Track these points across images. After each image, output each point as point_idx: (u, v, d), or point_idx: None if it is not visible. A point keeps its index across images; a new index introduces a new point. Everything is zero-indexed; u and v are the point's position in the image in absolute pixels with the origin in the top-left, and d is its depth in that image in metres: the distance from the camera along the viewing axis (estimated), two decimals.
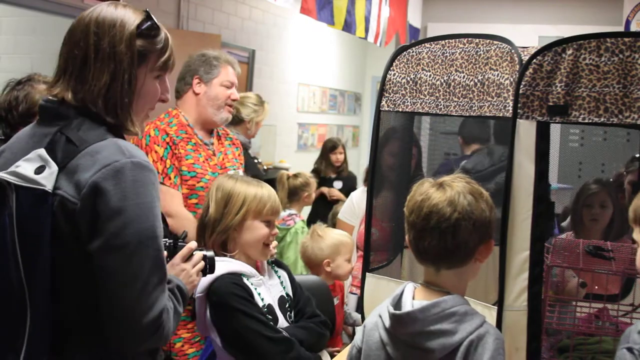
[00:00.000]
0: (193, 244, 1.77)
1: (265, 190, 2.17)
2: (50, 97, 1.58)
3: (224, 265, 2.06)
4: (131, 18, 1.57)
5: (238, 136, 4.25)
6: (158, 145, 2.89)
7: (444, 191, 1.65)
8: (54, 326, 1.48)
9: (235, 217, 2.11)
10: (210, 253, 1.85)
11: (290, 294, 2.20)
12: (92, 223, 1.44)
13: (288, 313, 2.15)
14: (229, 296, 2.00)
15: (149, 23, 1.58)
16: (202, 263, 1.79)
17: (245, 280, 2.06)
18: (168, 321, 1.50)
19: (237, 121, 4.42)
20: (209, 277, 2.02)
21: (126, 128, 1.58)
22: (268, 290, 2.11)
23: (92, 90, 1.52)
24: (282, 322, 2.10)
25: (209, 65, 3.04)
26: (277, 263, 2.26)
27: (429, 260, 1.68)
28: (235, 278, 2.05)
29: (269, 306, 2.08)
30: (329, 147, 6.12)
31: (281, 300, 2.14)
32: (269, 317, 2.05)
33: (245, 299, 2.01)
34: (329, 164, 6.07)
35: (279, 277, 2.20)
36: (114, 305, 1.46)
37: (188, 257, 1.75)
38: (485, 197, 1.68)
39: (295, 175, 4.73)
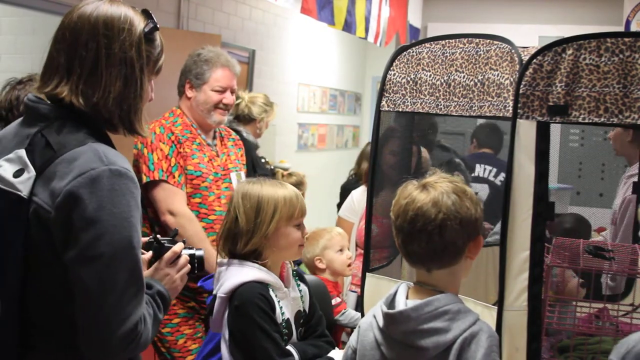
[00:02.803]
0: (178, 247, 1.74)
1: (292, 192, 2.11)
2: (36, 96, 1.54)
3: (253, 272, 2.03)
4: (137, 21, 1.54)
5: (248, 136, 4.26)
6: (163, 143, 2.90)
7: (428, 192, 1.65)
8: (25, 332, 1.47)
9: (269, 227, 2.05)
10: (199, 252, 1.83)
11: (307, 309, 2.19)
12: (67, 233, 1.41)
13: (300, 329, 2.15)
14: (251, 306, 1.97)
15: (152, 25, 1.56)
16: (188, 267, 1.76)
17: (271, 291, 2.04)
18: (145, 331, 1.48)
19: (248, 120, 4.40)
20: (235, 281, 2.01)
21: (139, 133, 1.58)
22: (289, 304, 2.10)
23: (106, 96, 1.49)
24: (293, 337, 2.10)
25: (200, 70, 3.02)
26: (300, 277, 2.24)
27: (419, 263, 1.69)
28: (262, 288, 2.02)
29: (287, 320, 2.07)
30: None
31: (297, 315, 2.13)
32: (286, 331, 2.04)
33: (266, 312, 1.98)
34: None
35: (300, 291, 2.18)
36: (88, 317, 1.43)
37: (173, 261, 1.72)
38: (470, 194, 1.69)
39: (290, 174, 4.76)
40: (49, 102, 1.52)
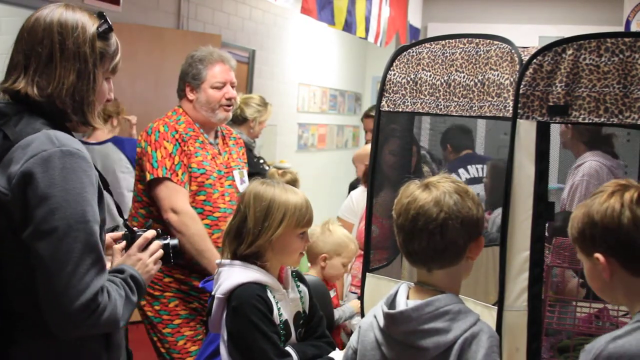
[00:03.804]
0: (150, 234, 1.81)
1: (303, 201, 2.11)
2: None
3: (251, 273, 2.04)
4: (90, 21, 1.65)
5: (241, 135, 4.31)
6: (167, 142, 2.90)
7: (430, 192, 1.66)
8: (3, 316, 1.54)
9: (276, 232, 2.05)
10: (174, 241, 1.88)
11: (307, 310, 2.18)
12: (23, 211, 1.50)
13: (300, 329, 2.14)
14: (249, 307, 1.97)
15: (106, 26, 1.67)
16: (161, 252, 1.82)
17: (269, 292, 2.04)
18: (109, 305, 1.53)
19: (240, 120, 4.51)
20: (232, 282, 2.01)
21: (91, 124, 1.66)
22: (287, 305, 2.10)
23: (60, 88, 1.60)
24: (292, 338, 2.10)
25: (196, 70, 3.02)
26: (300, 277, 2.24)
27: (420, 262, 1.69)
28: (259, 289, 2.01)
29: (285, 322, 2.07)
30: None
31: (296, 316, 2.13)
32: (283, 332, 2.04)
33: (264, 314, 1.98)
34: None
35: (300, 291, 2.18)
36: (47, 290, 1.50)
37: (145, 247, 1.79)
38: (472, 195, 1.69)
39: (284, 173, 4.81)
40: (8, 100, 1.63)
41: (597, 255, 1.48)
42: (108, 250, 1.78)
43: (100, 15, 1.68)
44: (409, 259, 1.72)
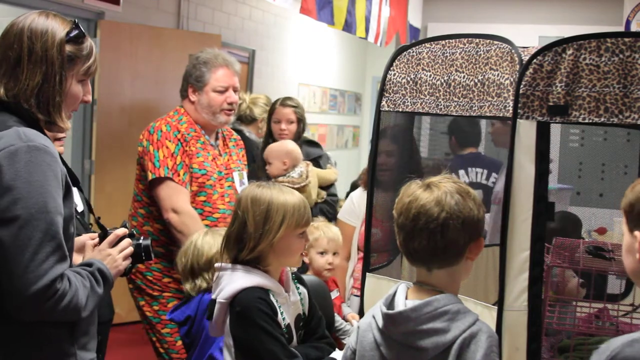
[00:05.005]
0: (120, 231, 1.88)
1: (300, 201, 2.10)
2: None
3: (253, 278, 2.02)
4: (61, 26, 1.74)
5: (250, 135, 4.35)
6: (169, 141, 2.90)
7: (431, 191, 1.66)
8: None
9: (277, 234, 2.03)
10: (146, 242, 1.94)
11: (306, 312, 2.18)
12: None
13: (300, 332, 2.14)
14: (254, 310, 1.96)
15: (76, 32, 1.75)
16: (130, 249, 1.88)
17: (271, 297, 2.03)
18: (69, 293, 1.61)
19: (249, 120, 4.57)
20: (235, 286, 2.00)
21: (57, 124, 1.73)
22: (289, 309, 2.09)
23: (25, 88, 1.69)
24: (293, 342, 2.09)
25: (199, 72, 3.03)
26: (299, 279, 2.23)
27: (419, 261, 1.69)
28: (262, 293, 2.00)
29: (288, 325, 2.06)
30: None
31: (297, 319, 2.12)
32: (286, 336, 2.04)
33: (269, 315, 1.97)
34: None
35: (300, 294, 2.17)
36: (6, 274, 1.58)
37: (115, 243, 1.86)
38: (473, 195, 1.69)
39: None
40: None
41: (637, 233, 1.46)
42: (84, 248, 1.87)
43: (74, 24, 1.77)
44: (408, 258, 1.72)
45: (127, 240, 1.88)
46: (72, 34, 1.74)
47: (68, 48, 1.73)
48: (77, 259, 1.82)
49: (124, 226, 1.92)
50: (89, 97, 1.83)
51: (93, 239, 1.88)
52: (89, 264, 1.75)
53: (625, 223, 1.55)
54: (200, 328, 2.36)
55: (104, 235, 1.87)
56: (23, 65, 1.69)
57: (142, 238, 1.95)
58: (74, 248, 1.79)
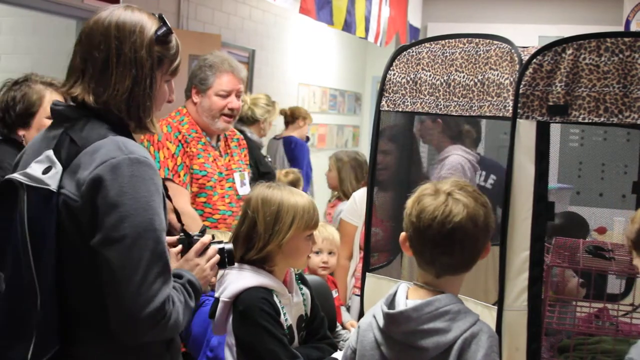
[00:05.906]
0: (207, 239, 1.81)
1: (309, 203, 2.11)
2: (58, 100, 1.65)
3: (258, 277, 2.03)
4: (149, 23, 1.62)
5: (252, 135, 4.37)
6: (170, 142, 2.91)
7: (464, 205, 1.64)
8: (64, 318, 1.53)
9: (286, 235, 2.04)
10: (229, 246, 1.86)
11: (309, 312, 2.18)
12: (92, 218, 1.50)
13: (302, 332, 2.14)
14: (257, 310, 1.97)
15: (164, 29, 1.64)
16: (217, 257, 1.81)
17: (275, 297, 2.03)
18: (174, 312, 1.53)
19: (251, 121, 4.60)
20: (239, 285, 2.01)
21: (148, 129, 1.65)
22: (291, 310, 2.09)
23: (115, 94, 1.58)
24: (295, 343, 2.09)
25: (204, 75, 3.03)
26: (302, 280, 2.23)
27: (437, 269, 1.68)
28: (266, 293, 2.01)
29: (290, 327, 2.06)
30: None
31: (299, 320, 2.13)
32: (288, 337, 2.04)
33: (272, 316, 1.98)
34: None
35: (303, 294, 2.17)
36: (115, 297, 1.50)
37: (202, 252, 1.79)
38: (487, 204, 1.71)
39: (287, 173, 4.85)
40: (71, 103, 1.63)
41: None
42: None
43: (160, 18, 1.65)
44: (423, 265, 1.69)
45: (214, 248, 1.81)
46: (159, 32, 1.62)
47: (156, 48, 1.61)
48: None
49: (204, 231, 1.84)
50: (173, 97, 1.73)
51: (174, 246, 1.79)
52: (179, 276, 1.66)
53: (634, 249, 1.59)
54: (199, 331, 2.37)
55: (188, 242, 1.79)
56: (112, 68, 1.58)
57: (223, 242, 1.88)
58: None
